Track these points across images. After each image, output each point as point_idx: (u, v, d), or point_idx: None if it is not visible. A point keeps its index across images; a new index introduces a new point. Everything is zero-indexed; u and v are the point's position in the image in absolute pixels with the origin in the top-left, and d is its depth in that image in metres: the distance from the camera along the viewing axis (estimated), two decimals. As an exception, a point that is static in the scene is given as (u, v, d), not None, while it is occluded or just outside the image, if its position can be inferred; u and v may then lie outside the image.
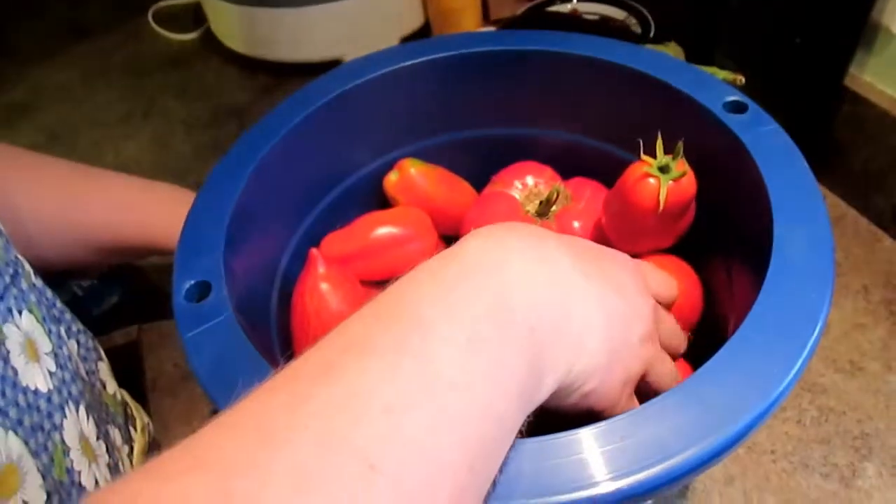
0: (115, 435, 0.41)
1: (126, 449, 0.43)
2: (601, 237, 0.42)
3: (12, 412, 0.31)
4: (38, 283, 0.39)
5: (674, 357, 0.34)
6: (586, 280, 0.26)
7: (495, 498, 0.23)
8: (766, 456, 0.46)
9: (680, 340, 0.35)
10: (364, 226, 0.43)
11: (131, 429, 0.46)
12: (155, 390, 0.56)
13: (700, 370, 0.26)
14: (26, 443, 0.31)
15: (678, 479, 0.24)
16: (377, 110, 0.43)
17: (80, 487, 0.34)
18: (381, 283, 0.44)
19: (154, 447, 0.49)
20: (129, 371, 0.60)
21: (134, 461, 0.44)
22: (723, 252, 0.39)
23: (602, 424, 0.25)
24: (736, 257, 0.38)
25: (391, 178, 0.45)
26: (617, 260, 0.30)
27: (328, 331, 0.37)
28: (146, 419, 0.50)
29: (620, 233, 0.40)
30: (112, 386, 0.45)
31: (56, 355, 0.36)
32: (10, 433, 0.30)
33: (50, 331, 0.37)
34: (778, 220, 0.31)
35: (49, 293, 0.40)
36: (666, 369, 0.31)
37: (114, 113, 0.85)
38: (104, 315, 0.61)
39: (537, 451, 0.24)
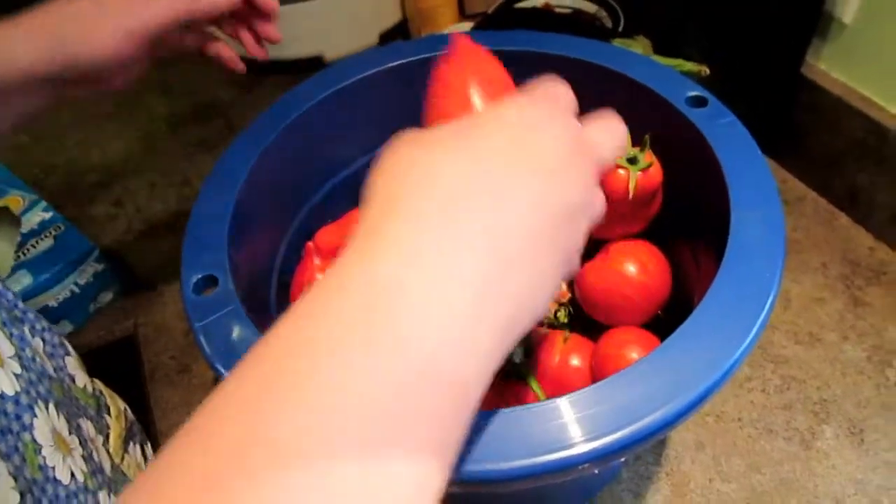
0: (88, 427, 0.42)
1: (101, 439, 0.44)
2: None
3: None
4: None
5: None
6: (519, 198, 0.23)
7: (481, 460, 0.26)
8: (734, 423, 0.50)
9: (619, 136, 0.30)
10: (355, 219, 0.45)
11: (106, 416, 0.47)
12: (153, 381, 0.58)
13: (664, 343, 0.29)
14: None
15: (646, 439, 0.27)
16: (363, 110, 0.45)
17: (56, 481, 0.35)
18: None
19: (134, 431, 0.51)
20: (127, 363, 0.62)
21: (111, 447, 0.45)
22: (688, 236, 0.43)
23: (577, 393, 0.28)
24: (700, 240, 0.41)
25: (378, 173, 0.48)
26: (533, 120, 0.26)
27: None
28: (122, 405, 0.50)
29: (594, 220, 0.43)
30: (82, 378, 0.46)
31: (20, 357, 0.37)
32: None
33: (11, 334, 0.37)
34: (735, 205, 0.34)
35: (10, 295, 0.41)
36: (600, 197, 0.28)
37: (98, 112, 0.86)
38: (100, 311, 0.63)
39: (521, 418, 0.27)
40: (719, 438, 0.49)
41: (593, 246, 0.45)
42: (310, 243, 0.41)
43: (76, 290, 0.61)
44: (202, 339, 0.32)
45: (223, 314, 0.32)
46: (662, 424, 0.27)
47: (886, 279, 0.57)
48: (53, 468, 0.35)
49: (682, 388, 0.27)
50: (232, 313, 0.32)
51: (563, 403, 0.27)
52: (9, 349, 0.36)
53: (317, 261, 0.40)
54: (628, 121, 0.38)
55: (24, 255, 0.57)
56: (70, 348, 0.47)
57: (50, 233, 0.61)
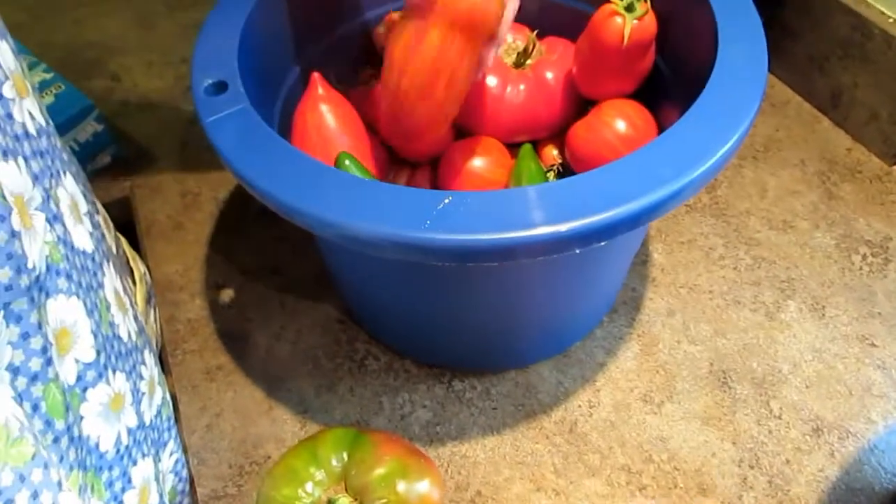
0: (128, 284, 0.43)
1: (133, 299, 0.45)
2: (571, 84, 0.47)
3: (75, 275, 0.31)
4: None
5: None
6: None
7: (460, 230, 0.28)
8: (705, 295, 0.53)
9: None
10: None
11: (130, 280, 0.48)
12: (148, 237, 0.60)
13: (648, 145, 0.31)
14: (84, 304, 0.31)
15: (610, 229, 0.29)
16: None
17: (119, 339, 0.35)
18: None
19: (151, 294, 0.53)
20: (123, 222, 0.63)
21: (139, 309, 0.46)
22: (678, 97, 0.44)
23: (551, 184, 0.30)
24: (689, 102, 0.43)
25: (379, 31, 0.49)
26: None
27: (326, 144, 0.41)
28: (143, 268, 0.52)
29: (588, 76, 0.45)
30: (112, 238, 0.46)
31: (90, 215, 0.37)
32: (73, 297, 0.30)
33: (84, 194, 0.37)
34: (722, 38, 0.36)
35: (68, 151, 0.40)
36: None
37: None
38: (97, 173, 0.64)
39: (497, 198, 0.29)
40: (690, 307, 0.52)
41: (585, 105, 0.47)
42: (315, 73, 0.42)
43: (75, 147, 0.62)
44: (211, 132, 0.33)
45: (233, 112, 0.34)
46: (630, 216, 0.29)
47: (861, 177, 0.59)
48: (118, 326, 0.35)
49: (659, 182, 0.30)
50: (242, 111, 0.34)
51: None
52: (84, 205, 0.36)
53: (321, 90, 0.41)
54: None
55: (25, 104, 0.57)
56: (100, 206, 0.45)
57: (50, 91, 0.62)
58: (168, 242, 0.59)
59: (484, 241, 0.28)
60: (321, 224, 0.30)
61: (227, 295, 0.55)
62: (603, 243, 0.29)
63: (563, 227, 0.28)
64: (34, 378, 0.27)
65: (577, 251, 0.29)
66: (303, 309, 0.53)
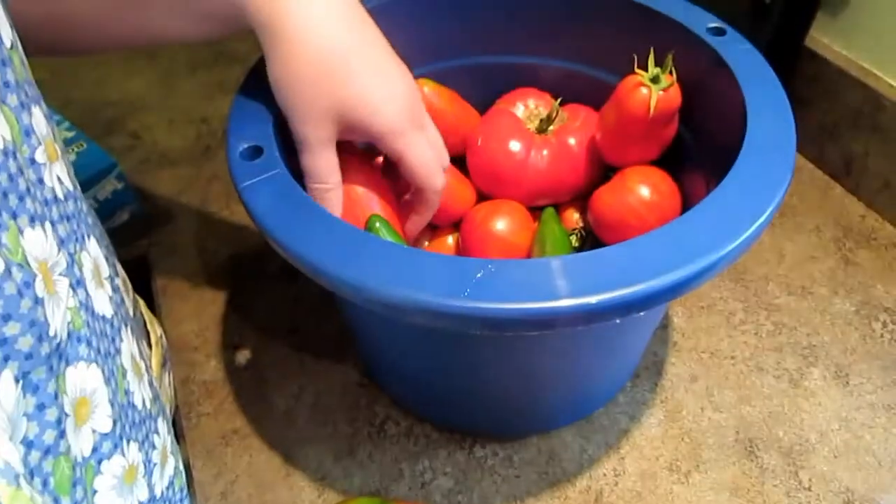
0: (144, 348, 0.42)
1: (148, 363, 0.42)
2: (595, 151, 0.48)
3: (94, 341, 0.30)
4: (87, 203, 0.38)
5: None
6: None
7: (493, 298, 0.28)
8: (727, 360, 0.52)
9: None
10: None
11: (147, 344, 0.46)
12: (165, 296, 0.59)
13: (678, 219, 0.31)
14: (102, 372, 0.31)
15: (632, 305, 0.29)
16: (394, 33, 0.47)
17: (133, 407, 0.34)
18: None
19: (167, 358, 0.51)
20: (140, 280, 0.63)
21: (154, 374, 0.43)
22: (701, 166, 0.45)
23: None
24: (713, 170, 0.43)
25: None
26: None
27: (355, 206, 0.41)
28: (159, 331, 0.51)
29: (612, 144, 0.45)
30: (130, 300, 0.44)
31: (111, 279, 0.36)
32: (93, 365, 0.30)
33: (107, 257, 0.36)
34: (751, 109, 0.36)
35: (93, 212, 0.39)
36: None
37: (117, 53, 0.87)
38: (115, 230, 0.65)
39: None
40: (713, 373, 0.51)
41: (607, 171, 0.48)
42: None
43: (95, 205, 0.62)
44: (247, 197, 0.33)
45: (268, 177, 0.34)
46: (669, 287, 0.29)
47: (876, 244, 0.60)
48: (133, 393, 0.34)
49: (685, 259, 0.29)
50: (277, 176, 0.34)
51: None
52: (106, 269, 0.35)
53: (352, 153, 0.42)
54: (651, 46, 0.41)
55: (49, 162, 0.58)
56: (120, 268, 0.44)
57: (72, 149, 0.63)
58: (184, 301, 0.58)
59: (525, 310, 0.27)
60: (359, 290, 0.30)
61: (243, 356, 0.55)
62: (642, 313, 0.29)
63: (603, 297, 0.28)
64: (47, 452, 0.26)
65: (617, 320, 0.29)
66: (321, 370, 0.53)
